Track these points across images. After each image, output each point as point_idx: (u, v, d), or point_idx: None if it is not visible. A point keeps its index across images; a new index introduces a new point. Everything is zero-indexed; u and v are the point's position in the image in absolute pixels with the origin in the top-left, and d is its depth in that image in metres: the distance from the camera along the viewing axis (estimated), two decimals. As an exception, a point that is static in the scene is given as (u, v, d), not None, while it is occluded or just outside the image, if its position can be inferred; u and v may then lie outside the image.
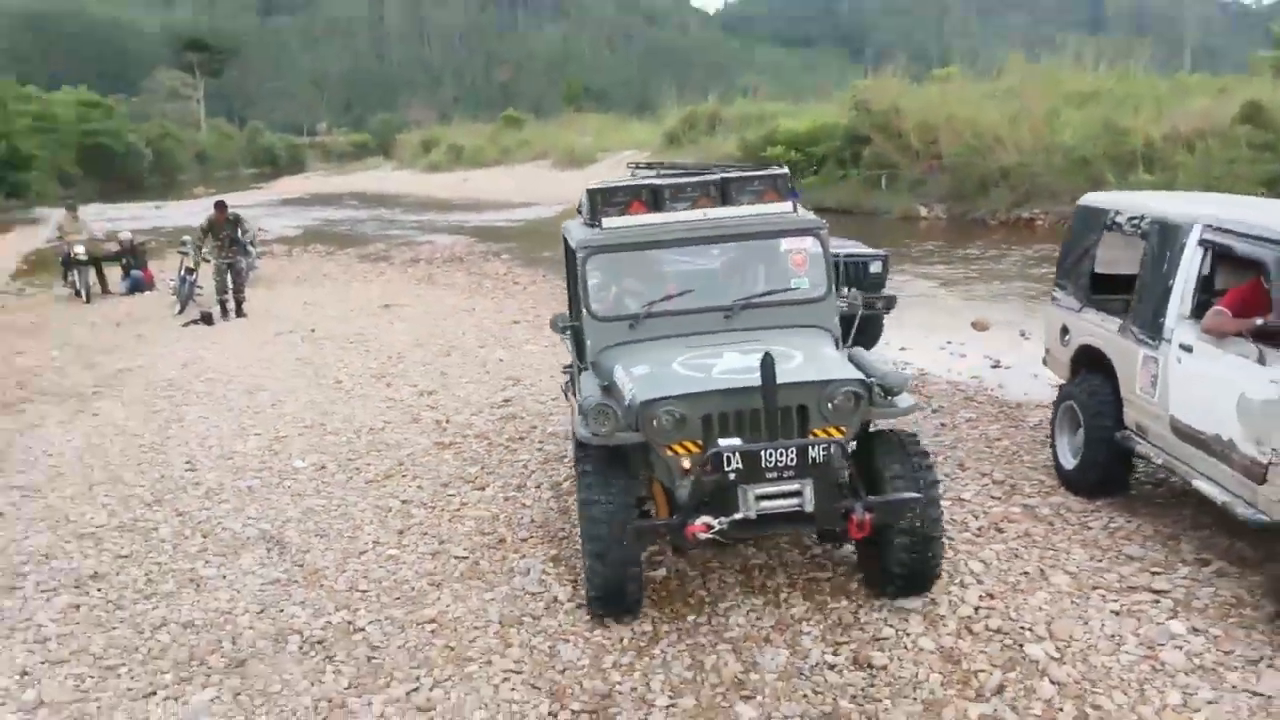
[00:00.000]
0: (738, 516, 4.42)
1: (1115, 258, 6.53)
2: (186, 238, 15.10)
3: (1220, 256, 5.30)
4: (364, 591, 5.18)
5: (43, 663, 4.57)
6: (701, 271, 5.84)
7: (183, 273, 14.58)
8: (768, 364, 4.45)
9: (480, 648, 4.55)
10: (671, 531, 4.54)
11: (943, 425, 7.82)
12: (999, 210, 23.86)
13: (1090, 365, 6.28)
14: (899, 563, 4.72)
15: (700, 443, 4.55)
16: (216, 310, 13.44)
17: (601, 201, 5.61)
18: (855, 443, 4.88)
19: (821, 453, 4.43)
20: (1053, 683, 4.10)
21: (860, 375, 4.79)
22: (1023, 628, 4.53)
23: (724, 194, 5.72)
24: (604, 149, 46.44)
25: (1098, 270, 6.55)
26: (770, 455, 4.41)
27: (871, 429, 5.02)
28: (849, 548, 5.22)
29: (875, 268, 10.43)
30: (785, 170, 5.94)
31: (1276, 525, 4.52)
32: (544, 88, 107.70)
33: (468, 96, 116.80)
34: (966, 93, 27.97)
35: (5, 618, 5.04)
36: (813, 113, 31.66)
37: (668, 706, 4.05)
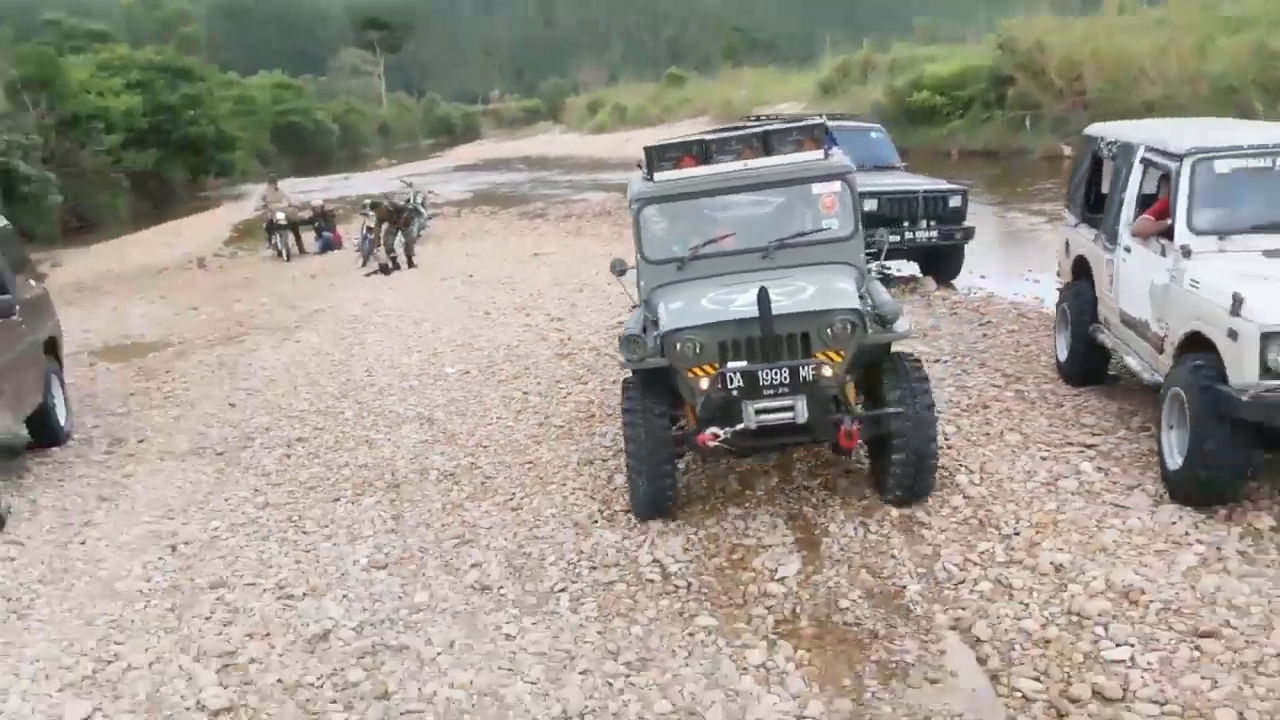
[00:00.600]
0: (740, 427, 5.20)
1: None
2: (367, 200, 17.61)
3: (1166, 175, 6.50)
4: (485, 447, 7.12)
5: (267, 485, 6.74)
6: (744, 217, 6.38)
7: (364, 232, 17.08)
8: (763, 297, 5.13)
9: (560, 477, 6.40)
10: (686, 440, 5.40)
11: (984, 335, 9.13)
12: (1143, 146, 23.90)
13: (1082, 272, 7.54)
14: (895, 474, 5.44)
15: (717, 366, 5.23)
16: (389, 264, 15.80)
17: (656, 157, 6.19)
18: (864, 364, 5.59)
19: (810, 373, 5.12)
20: (964, 497, 5.59)
21: (856, 306, 5.35)
22: (960, 465, 6.01)
23: (766, 146, 6.14)
24: (762, 102, 47.42)
25: (1105, 192, 7.75)
26: (766, 375, 5.13)
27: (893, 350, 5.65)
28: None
29: (954, 202, 11.60)
30: (821, 120, 6.54)
31: (1167, 383, 5.79)
32: (710, 43, 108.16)
33: (635, 56, 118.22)
34: (1113, 25, 27.69)
35: (243, 462, 7.26)
36: (961, 55, 31.87)
37: (681, 508, 5.77)
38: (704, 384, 5.25)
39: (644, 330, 5.74)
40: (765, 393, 5.17)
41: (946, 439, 6.42)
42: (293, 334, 11.75)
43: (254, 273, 17.64)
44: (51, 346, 8.52)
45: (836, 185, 6.18)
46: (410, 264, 15.97)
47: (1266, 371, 4.83)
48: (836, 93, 39.85)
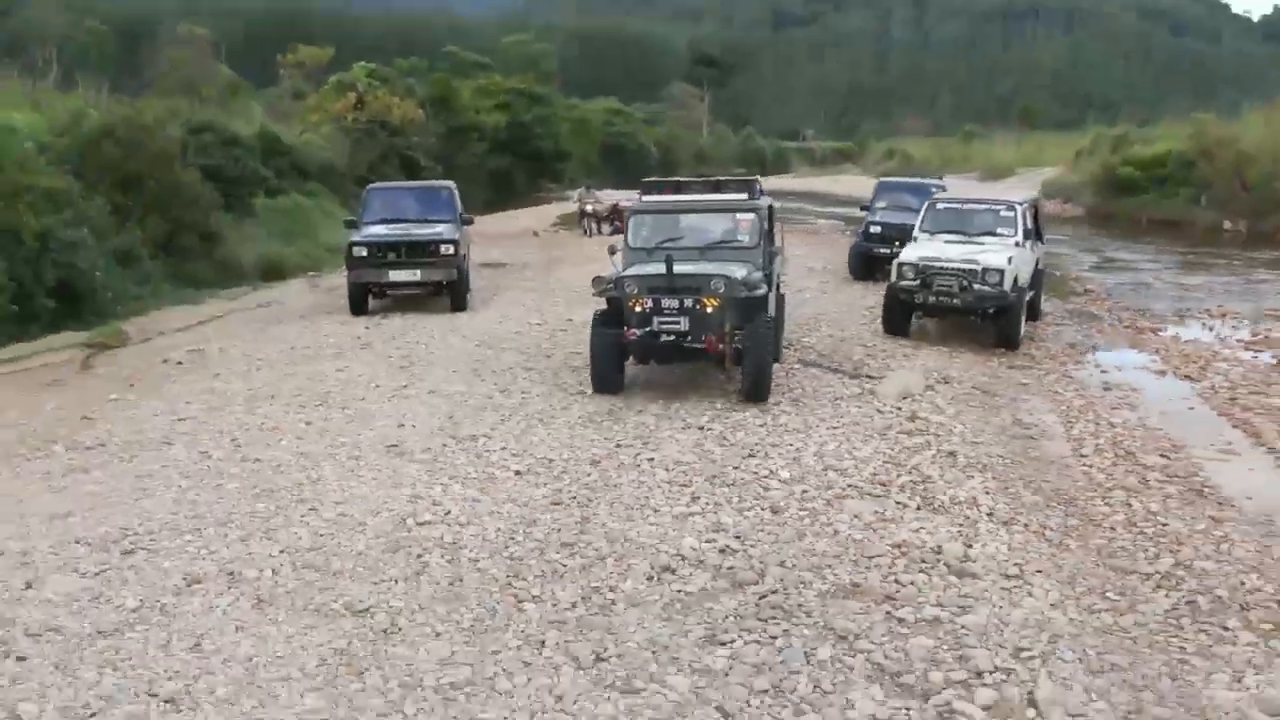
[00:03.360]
0: (649, 329, 9.18)
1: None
2: (641, 204, 28.01)
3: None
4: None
5: (553, 300, 16.88)
6: (696, 228, 10.30)
7: (637, 223, 27.46)
8: (669, 262, 9.05)
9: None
10: (619, 338, 9.26)
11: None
12: (1284, 224, 29.62)
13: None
14: (743, 377, 9.31)
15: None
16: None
17: (648, 187, 10.83)
18: (746, 312, 9.41)
19: (690, 304, 9.09)
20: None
21: (729, 276, 9.15)
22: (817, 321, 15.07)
23: (717, 188, 10.63)
24: (1028, 164, 54.07)
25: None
26: (666, 302, 9.17)
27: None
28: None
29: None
30: (755, 178, 11.13)
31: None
32: (1045, 100, 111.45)
33: (964, 108, 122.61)
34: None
35: (548, 296, 17.50)
36: (1165, 139, 38.06)
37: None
38: (634, 306, 9.35)
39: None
40: (665, 312, 9.25)
41: (819, 321, 15.46)
42: (584, 265, 21.91)
43: (567, 241, 28.61)
44: (468, 249, 19.19)
45: (751, 215, 10.25)
46: (659, 245, 26.06)
47: (901, 278, 13.60)
48: (1085, 163, 46.20)
